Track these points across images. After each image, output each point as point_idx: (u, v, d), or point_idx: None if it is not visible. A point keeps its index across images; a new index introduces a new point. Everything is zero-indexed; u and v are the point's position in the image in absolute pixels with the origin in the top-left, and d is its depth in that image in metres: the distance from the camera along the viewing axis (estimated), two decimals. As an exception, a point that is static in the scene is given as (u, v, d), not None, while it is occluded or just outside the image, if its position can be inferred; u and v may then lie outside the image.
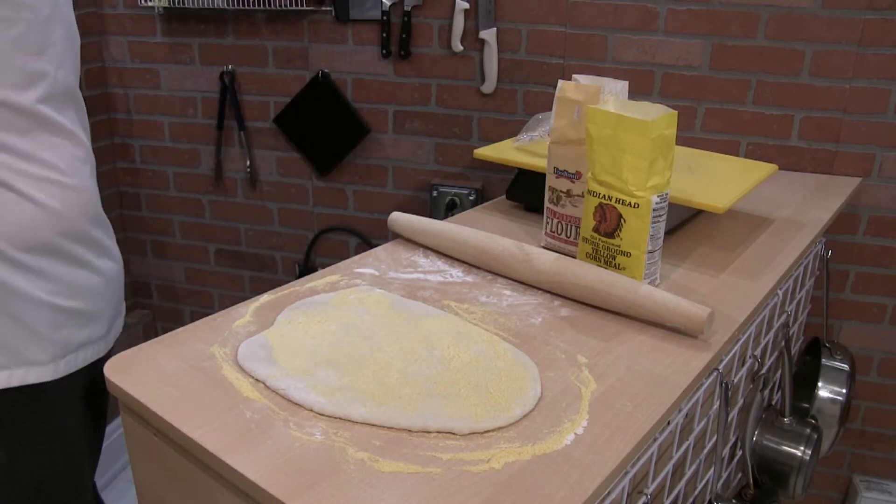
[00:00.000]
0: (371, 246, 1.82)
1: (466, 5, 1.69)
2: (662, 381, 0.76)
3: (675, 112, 0.89)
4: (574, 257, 0.98)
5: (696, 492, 0.97)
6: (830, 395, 1.45)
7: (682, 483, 0.89)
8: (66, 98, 0.92)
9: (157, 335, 0.82)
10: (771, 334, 1.12)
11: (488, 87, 1.74)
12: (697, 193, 1.07)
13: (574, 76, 1.05)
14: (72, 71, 0.93)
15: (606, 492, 0.64)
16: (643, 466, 0.72)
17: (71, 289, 0.91)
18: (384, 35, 1.76)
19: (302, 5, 1.78)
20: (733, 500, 1.17)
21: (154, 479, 0.77)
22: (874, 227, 1.62)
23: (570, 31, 1.66)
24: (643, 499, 0.75)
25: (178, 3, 1.85)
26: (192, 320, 0.86)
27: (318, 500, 0.58)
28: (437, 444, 0.65)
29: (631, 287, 0.88)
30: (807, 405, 1.45)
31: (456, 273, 1.01)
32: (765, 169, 1.23)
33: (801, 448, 1.20)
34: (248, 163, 2.01)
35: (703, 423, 0.89)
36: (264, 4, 1.79)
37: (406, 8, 1.73)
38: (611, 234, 0.93)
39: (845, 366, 1.47)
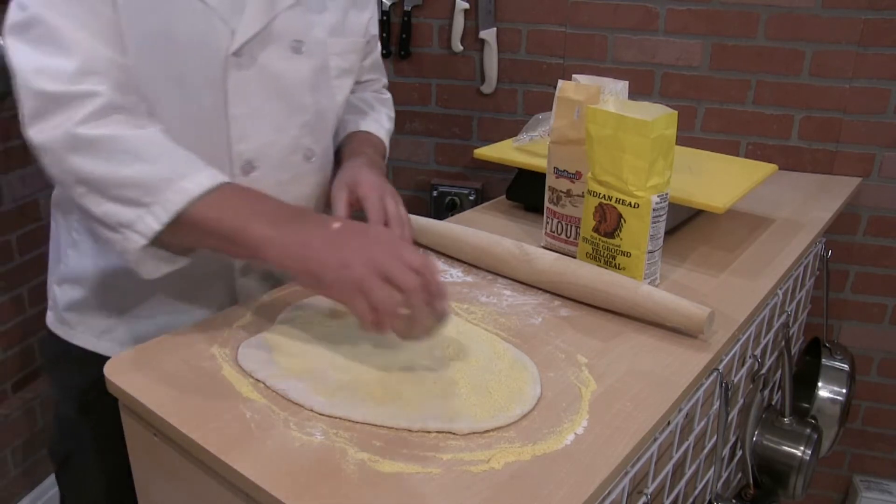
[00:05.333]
0: (371, 246, 1.81)
1: (466, 5, 1.69)
2: (662, 381, 0.76)
3: (675, 112, 0.89)
4: (574, 257, 0.98)
5: (696, 492, 0.97)
6: (830, 395, 1.45)
7: (682, 483, 0.89)
8: None
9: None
10: (771, 334, 1.12)
11: (488, 87, 1.74)
12: (697, 193, 1.07)
13: (574, 76, 1.05)
14: None
15: (606, 492, 0.64)
16: (643, 466, 0.72)
17: None
18: (384, 35, 1.76)
19: (302, 5, 1.78)
20: (733, 500, 1.17)
21: (154, 479, 0.77)
22: (874, 227, 1.61)
23: (570, 31, 1.66)
24: (643, 499, 0.75)
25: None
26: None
27: (318, 500, 0.57)
28: (437, 444, 0.65)
29: (631, 287, 0.88)
30: (807, 405, 1.45)
31: (456, 273, 1.01)
32: (765, 169, 1.23)
33: (801, 448, 1.20)
34: (248, 163, 2.01)
35: (703, 423, 0.89)
36: (264, 4, 1.79)
37: (406, 8, 1.73)
38: (611, 234, 0.93)
39: (845, 366, 1.48)
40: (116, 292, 0.94)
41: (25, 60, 0.74)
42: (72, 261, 0.95)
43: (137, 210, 0.74)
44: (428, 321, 0.70)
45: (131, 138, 0.75)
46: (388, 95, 1.18)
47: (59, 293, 0.97)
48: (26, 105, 0.74)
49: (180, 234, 0.75)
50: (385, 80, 1.17)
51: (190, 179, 0.74)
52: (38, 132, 0.74)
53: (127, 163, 0.74)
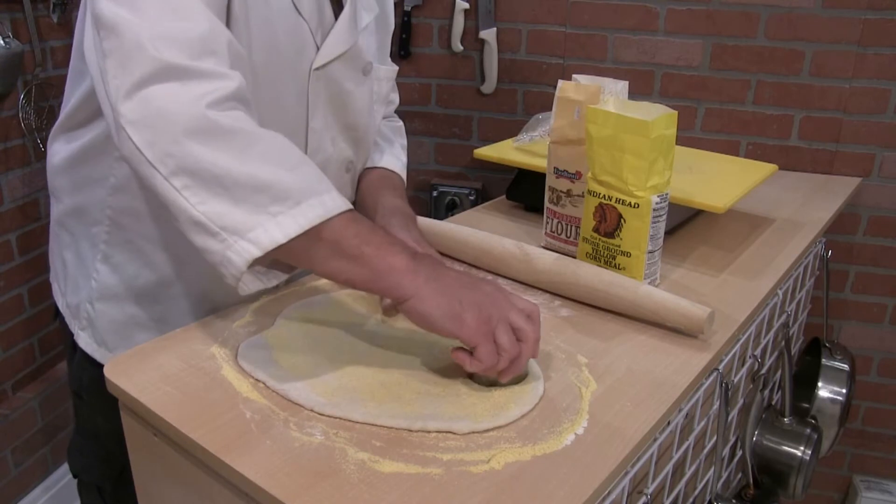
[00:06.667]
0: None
1: (466, 5, 1.69)
2: (662, 381, 0.76)
3: (675, 112, 0.89)
4: (574, 257, 0.98)
5: (696, 492, 0.97)
6: (830, 395, 1.45)
7: (682, 483, 0.89)
8: None
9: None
10: (771, 334, 1.12)
11: (488, 87, 1.74)
12: (697, 193, 1.07)
13: (574, 76, 1.05)
14: None
15: (606, 492, 0.64)
16: (643, 466, 0.72)
17: None
18: (384, 35, 1.76)
19: (302, 5, 1.78)
20: (733, 500, 1.17)
21: (154, 479, 0.77)
22: (874, 227, 1.61)
23: (570, 31, 1.66)
24: (643, 499, 0.75)
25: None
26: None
27: (318, 500, 0.57)
28: (437, 444, 0.65)
29: (631, 287, 0.88)
30: (807, 405, 1.45)
31: (456, 273, 1.00)
32: (765, 169, 1.23)
33: (801, 448, 1.20)
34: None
35: (703, 423, 0.89)
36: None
37: (406, 8, 1.73)
38: (611, 234, 0.93)
39: (845, 366, 1.48)
40: (166, 305, 0.91)
41: (135, 21, 0.64)
42: (105, 276, 0.89)
43: (258, 217, 0.64)
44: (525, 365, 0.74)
45: (268, 139, 0.67)
46: (401, 123, 1.18)
47: (97, 313, 0.91)
48: (136, 72, 0.63)
49: (302, 251, 0.67)
50: (397, 102, 1.16)
51: (329, 197, 0.67)
52: (143, 106, 0.64)
53: (261, 163, 0.65)
